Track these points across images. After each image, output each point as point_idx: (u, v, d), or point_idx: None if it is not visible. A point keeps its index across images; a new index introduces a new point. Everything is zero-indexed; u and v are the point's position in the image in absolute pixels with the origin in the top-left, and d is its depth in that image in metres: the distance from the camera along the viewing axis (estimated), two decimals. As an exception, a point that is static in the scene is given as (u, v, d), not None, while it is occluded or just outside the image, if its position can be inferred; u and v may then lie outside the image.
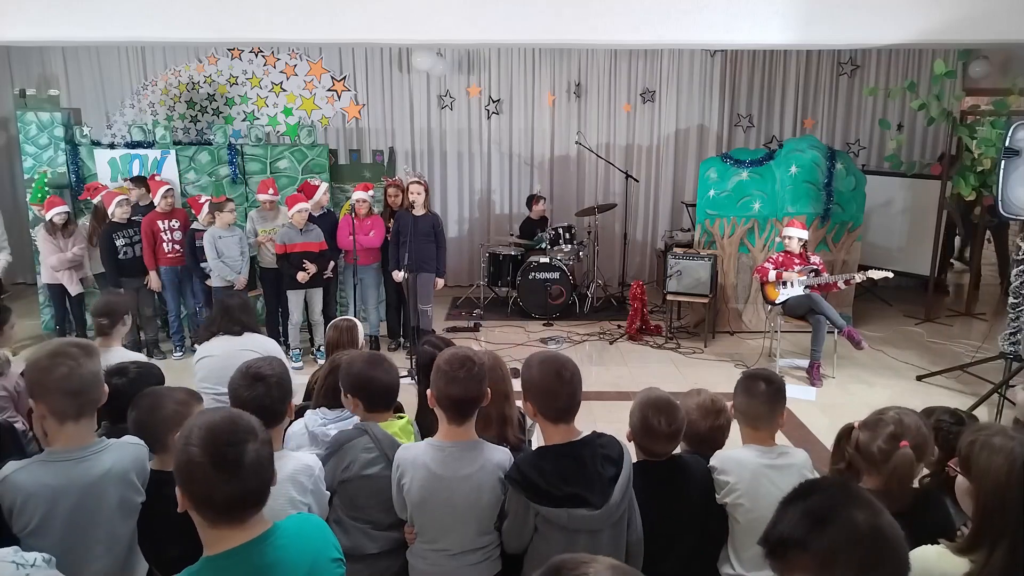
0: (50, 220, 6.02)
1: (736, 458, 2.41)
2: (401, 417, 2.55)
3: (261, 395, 2.16)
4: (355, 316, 6.42)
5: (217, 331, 3.63)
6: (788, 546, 1.27)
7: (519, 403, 2.38)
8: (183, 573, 1.48)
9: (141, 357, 3.36)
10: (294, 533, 1.59)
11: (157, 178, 6.67)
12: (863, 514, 1.25)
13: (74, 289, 6.20)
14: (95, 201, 6.26)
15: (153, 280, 6.26)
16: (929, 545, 1.71)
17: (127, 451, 2.11)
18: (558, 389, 2.13)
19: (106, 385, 2.12)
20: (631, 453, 2.40)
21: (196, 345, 3.89)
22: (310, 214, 6.10)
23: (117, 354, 3.27)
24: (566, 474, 2.08)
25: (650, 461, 2.35)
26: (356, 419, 2.53)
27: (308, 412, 2.74)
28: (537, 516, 2.10)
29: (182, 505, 1.48)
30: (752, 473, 2.34)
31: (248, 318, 3.70)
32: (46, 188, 6.54)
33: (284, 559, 1.53)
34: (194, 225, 6.20)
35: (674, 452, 2.41)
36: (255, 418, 1.58)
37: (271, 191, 6.28)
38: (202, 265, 6.15)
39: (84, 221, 6.47)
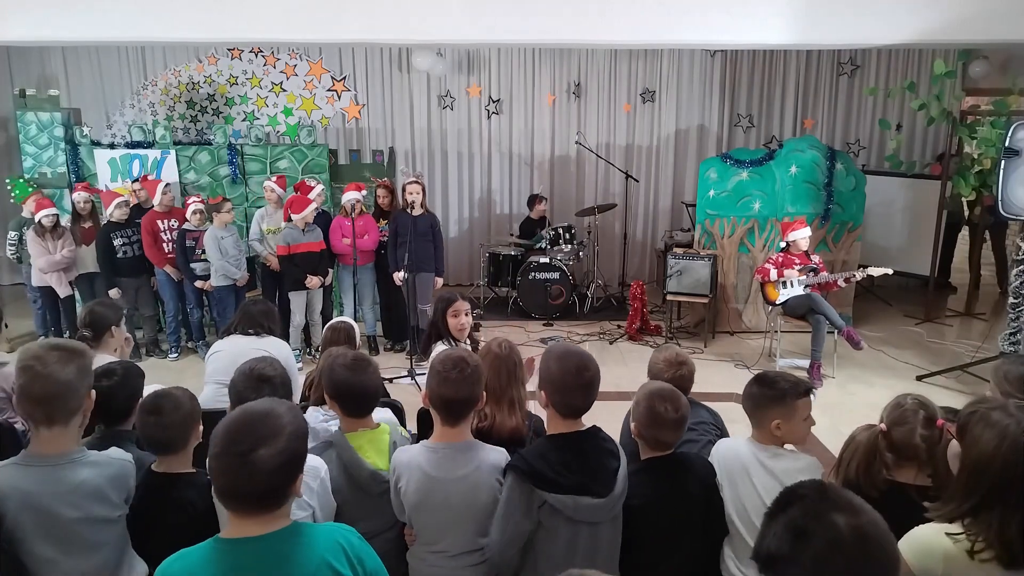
0: (39, 222, 5.98)
1: (732, 446, 2.44)
2: (378, 426, 2.46)
3: (268, 396, 2.16)
4: (354, 317, 6.48)
5: (234, 332, 3.71)
6: (777, 561, 1.29)
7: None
8: (192, 548, 1.56)
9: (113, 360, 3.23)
10: (306, 542, 1.58)
11: (150, 178, 6.63)
12: (843, 518, 1.26)
13: (63, 291, 6.17)
14: (78, 202, 6.26)
15: (168, 273, 6.17)
16: (923, 525, 1.75)
17: (107, 467, 2.03)
18: (575, 387, 2.11)
19: (93, 391, 2.04)
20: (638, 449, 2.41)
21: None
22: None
23: (99, 360, 3.26)
24: (570, 464, 2.09)
25: (655, 458, 2.34)
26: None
27: (310, 409, 2.75)
28: (542, 507, 2.09)
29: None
30: (743, 465, 2.35)
31: (269, 323, 3.74)
32: (27, 188, 6.50)
33: (282, 563, 1.53)
34: (185, 225, 6.14)
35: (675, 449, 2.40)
36: (293, 423, 1.57)
37: (273, 178, 6.35)
38: (192, 266, 6.12)
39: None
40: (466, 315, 3.52)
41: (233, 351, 3.50)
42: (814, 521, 1.27)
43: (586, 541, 2.09)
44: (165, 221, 6.17)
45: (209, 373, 3.66)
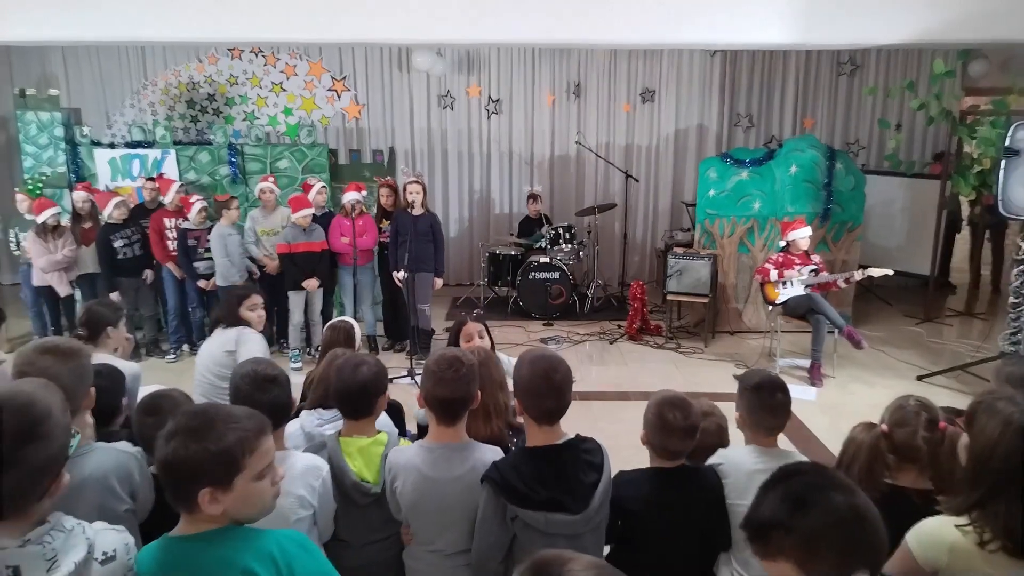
0: (41, 223, 5.97)
1: (733, 459, 2.39)
2: (378, 435, 2.42)
3: (276, 396, 2.18)
4: (354, 317, 6.47)
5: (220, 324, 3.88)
6: (771, 529, 1.30)
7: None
8: (150, 544, 1.60)
9: (112, 360, 3.16)
10: (232, 545, 1.54)
11: (165, 176, 6.67)
12: (842, 496, 1.29)
13: (63, 291, 6.17)
14: (77, 202, 6.27)
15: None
16: (932, 517, 1.75)
17: (110, 458, 2.03)
18: (545, 390, 2.08)
19: (93, 389, 2.04)
20: (646, 457, 2.37)
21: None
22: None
23: (97, 360, 3.26)
24: (544, 478, 2.05)
25: (663, 468, 2.30)
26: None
27: (304, 412, 2.72)
28: (515, 520, 2.07)
29: None
30: (747, 475, 2.30)
31: (227, 313, 3.85)
32: (40, 190, 6.52)
33: (203, 563, 1.53)
34: (185, 225, 6.14)
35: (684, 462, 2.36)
36: (218, 426, 1.53)
37: (271, 180, 6.37)
38: (195, 265, 6.14)
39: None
40: (479, 336, 3.47)
41: (208, 346, 3.77)
42: (814, 493, 1.29)
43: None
44: (172, 219, 6.19)
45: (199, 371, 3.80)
